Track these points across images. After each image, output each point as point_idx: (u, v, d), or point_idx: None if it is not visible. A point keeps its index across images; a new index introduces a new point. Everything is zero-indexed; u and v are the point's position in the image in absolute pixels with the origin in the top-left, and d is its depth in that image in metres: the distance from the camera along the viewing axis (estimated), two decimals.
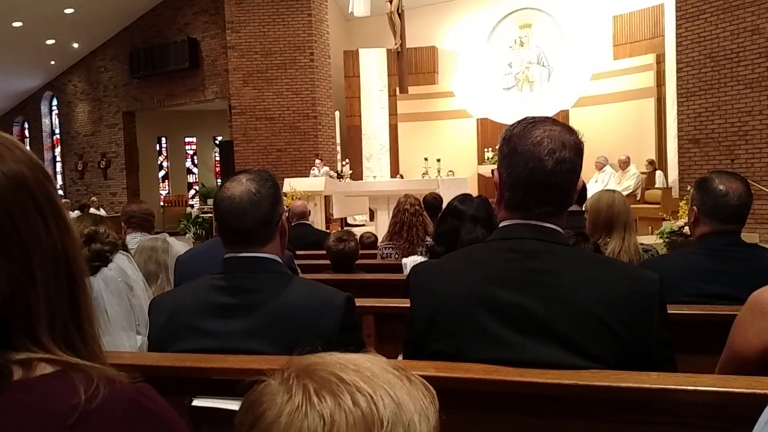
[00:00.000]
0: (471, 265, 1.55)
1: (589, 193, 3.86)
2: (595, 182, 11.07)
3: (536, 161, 1.44)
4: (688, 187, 4.90)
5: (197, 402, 1.46)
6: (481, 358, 1.44)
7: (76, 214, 10.55)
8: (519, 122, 1.53)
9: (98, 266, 2.52)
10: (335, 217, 12.72)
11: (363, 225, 13.35)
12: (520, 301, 1.42)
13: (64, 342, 0.77)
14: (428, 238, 4.35)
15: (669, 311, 1.47)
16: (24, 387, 0.71)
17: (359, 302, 1.84)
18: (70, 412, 0.70)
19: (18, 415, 0.70)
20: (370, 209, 12.06)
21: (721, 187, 2.34)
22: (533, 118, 1.52)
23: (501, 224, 1.56)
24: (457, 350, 1.48)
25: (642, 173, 11.86)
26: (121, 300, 2.53)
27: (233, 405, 1.36)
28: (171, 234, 4.51)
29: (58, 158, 21.15)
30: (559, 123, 1.52)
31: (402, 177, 14.36)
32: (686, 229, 6.81)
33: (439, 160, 12.72)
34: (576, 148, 1.47)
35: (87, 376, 0.74)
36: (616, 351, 1.38)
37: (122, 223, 4.02)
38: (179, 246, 3.53)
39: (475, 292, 1.47)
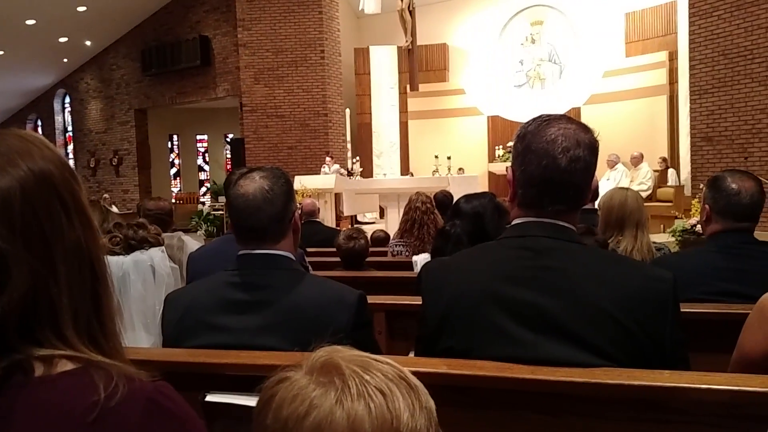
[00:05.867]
0: (483, 263, 1.55)
1: (602, 191, 3.82)
2: (607, 180, 11.01)
3: (550, 159, 1.44)
4: (701, 185, 4.86)
5: (211, 397, 1.47)
6: (494, 355, 1.44)
7: None
8: (534, 120, 1.52)
9: (134, 248, 2.69)
10: (345, 214, 12.75)
11: (373, 222, 13.35)
12: (532, 298, 1.41)
13: (88, 337, 0.78)
14: None
15: (682, 309, 1.46)
16: (45, 384, 0.73)
17: (370, 299, 1.85)
18: (89, 409, 0.71)
19: (38, 411, 0.71)
20: (380, 207, 12.07)
21: (733, 185, 2.33)
22: (548, 115, 1.51)
23: (514, 222, 1.56)
24: (469, 347, 1.48)
25: (654, 171, 11.77)
26: (146, 283, 2.67)
27: (247, 400, 1.37)
28: (184, 231, 4.52)
29: (71, 155, 21.26)
30: (574, 121, 1.51)
31: (412, 174, 14.34)
32: (698, 228, 6.77)
33: (449, 158, 12.69)
34: (590, 146, 1.47)
35: (107, 374, 0.75)
36: (629, 349, 1.38)
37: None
38: (194, 244, 3.53)
39: (487, 289, 1.47)
